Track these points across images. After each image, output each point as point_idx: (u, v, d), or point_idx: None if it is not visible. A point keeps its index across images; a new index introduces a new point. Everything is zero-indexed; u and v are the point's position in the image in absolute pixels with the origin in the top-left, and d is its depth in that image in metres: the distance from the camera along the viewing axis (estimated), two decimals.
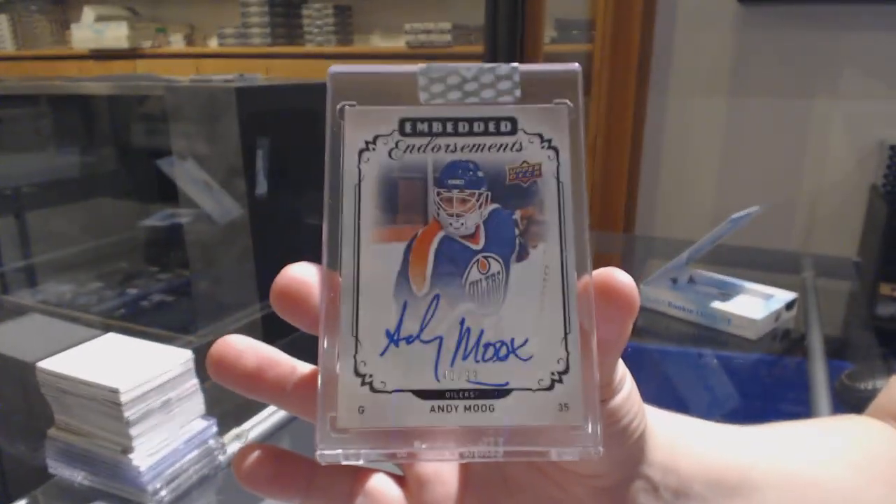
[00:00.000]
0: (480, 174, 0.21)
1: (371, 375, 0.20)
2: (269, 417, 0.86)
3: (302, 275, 0.20)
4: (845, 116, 2.12)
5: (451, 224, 0.21)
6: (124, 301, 1.62)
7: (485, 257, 0.21)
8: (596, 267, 0.21)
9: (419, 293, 0.20)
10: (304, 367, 0.22)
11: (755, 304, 1.06)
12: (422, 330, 0.20)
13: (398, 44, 3.00)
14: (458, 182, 0.21)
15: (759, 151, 2.27)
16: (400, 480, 0.23)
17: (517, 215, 0.21)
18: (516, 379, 0.20)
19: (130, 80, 1.89)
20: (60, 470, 0.71)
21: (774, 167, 2.26)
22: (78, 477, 0.70)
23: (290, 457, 0.22)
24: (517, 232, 0.21)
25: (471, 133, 0.21)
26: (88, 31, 3.55)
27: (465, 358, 0.20)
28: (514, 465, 0.24)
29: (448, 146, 0.21)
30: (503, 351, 0.20)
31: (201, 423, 0.74)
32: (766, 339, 1.03)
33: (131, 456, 0.67)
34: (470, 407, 0.20)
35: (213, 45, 3.52)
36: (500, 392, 0.20)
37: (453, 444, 0.20)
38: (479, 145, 0.21)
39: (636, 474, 0.25)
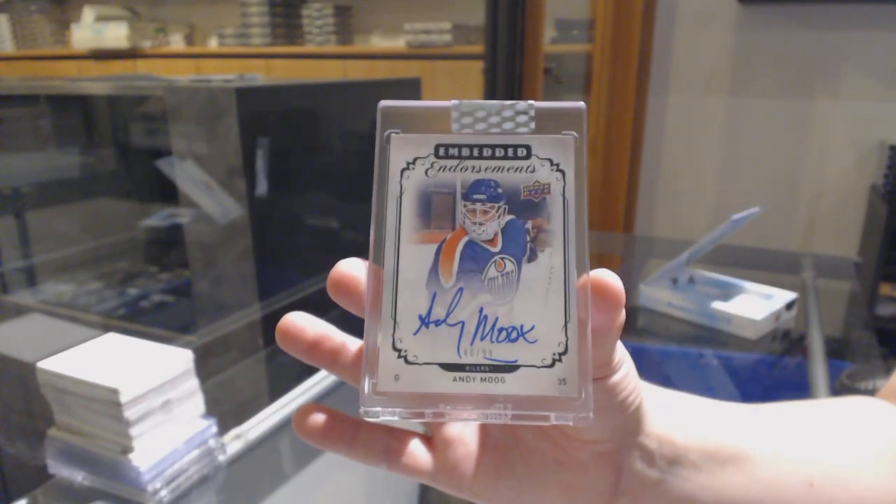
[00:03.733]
0: (500, 190, 0.25)
1: (406, 350, 0.24)
2: (268, 418, 0.86)
3: (351, 269, 0.25)
4: (845, 116, 2.12)
5: (474, 230, 0.25)
6: (124, 301, 1.62)
7: (501, 258, 0.25)
8: (596, 266, 0.24)
9: (446, 285, 0.25)
10: (352, 343, 0.26)
11: (755, 304, 1.06)
12: (448, 315, 0.24)
13: (398, 44, 3.00)
14: (481, 196, 0.25)
15: (759, 151, 2.27)
16: (428, 442, 0.28)
17: (529, 225, 0.25)
18: (524, 357, 0.24)
19: (130, 80, 1.89)
20: (60, 470, 0.71)
21: (774, 167, 2.26)
22: (78, 477, 0.70)
23: (340, 416, 0.26)
24: (528, 238, 0.25)
25: (493, 157, 0.25)
26: (88, 31, 3.55)
27: (482, 339, 0.24)
28: (525, 430, 0.28)
29: (474, 167, 0.25)
30: (514, 335, 0.24)
31: (201, 423, 0.74)
32: (766, 339, 1.03)
33: (131, 456, 0.67)
34: (485, 378, 0.24)
35: (213, 45, 3.51)
36: (510, 368, 0.24)
37: (471, 408, 0.24)
38: (500, 167, 0.25)
39: (633, 443, 0.28)
